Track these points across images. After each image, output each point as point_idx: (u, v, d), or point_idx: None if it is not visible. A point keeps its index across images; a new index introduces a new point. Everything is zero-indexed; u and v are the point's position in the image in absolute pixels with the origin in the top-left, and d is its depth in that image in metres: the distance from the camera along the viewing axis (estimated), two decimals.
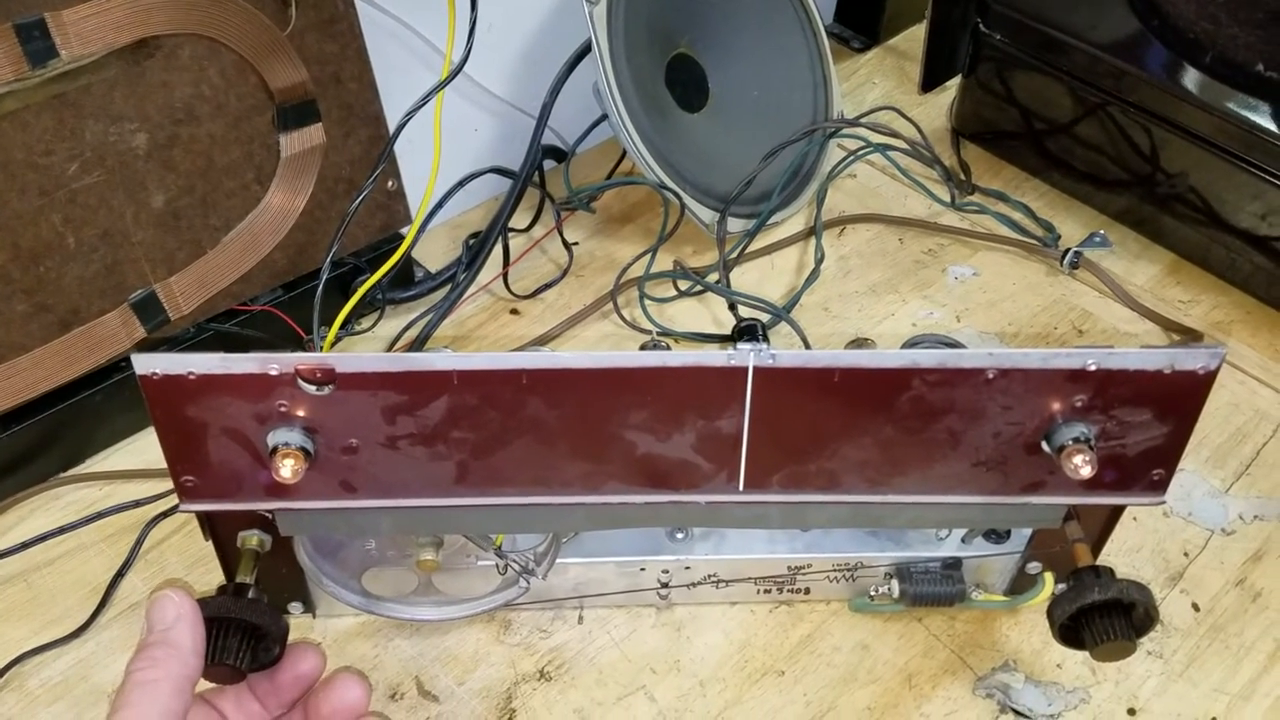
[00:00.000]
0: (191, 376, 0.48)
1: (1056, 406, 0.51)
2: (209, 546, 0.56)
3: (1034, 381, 0.50)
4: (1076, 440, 0.51)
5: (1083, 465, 0.50)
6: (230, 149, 0.68)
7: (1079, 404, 0.51)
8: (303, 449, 0.50)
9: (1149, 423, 0.51)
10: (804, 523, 0.58)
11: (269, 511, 0.54)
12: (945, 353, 0.49)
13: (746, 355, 0.49)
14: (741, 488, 0.54)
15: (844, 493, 0.55)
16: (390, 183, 0.75)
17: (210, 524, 0.56)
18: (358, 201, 0.67)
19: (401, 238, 0.78)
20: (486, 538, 0.58)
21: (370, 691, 0.52)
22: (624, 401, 0.51)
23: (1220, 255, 0.84)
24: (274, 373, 0.48)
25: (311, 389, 0.49)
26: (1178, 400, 0.51)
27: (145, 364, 0.48)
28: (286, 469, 0.49)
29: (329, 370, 0.48)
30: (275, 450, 0.50)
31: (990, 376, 0.50)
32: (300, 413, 0.50)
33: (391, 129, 0.71)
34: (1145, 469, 0.53)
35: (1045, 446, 0.52)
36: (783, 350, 0.49)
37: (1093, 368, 0.49)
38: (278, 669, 0.54)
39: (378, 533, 0.56)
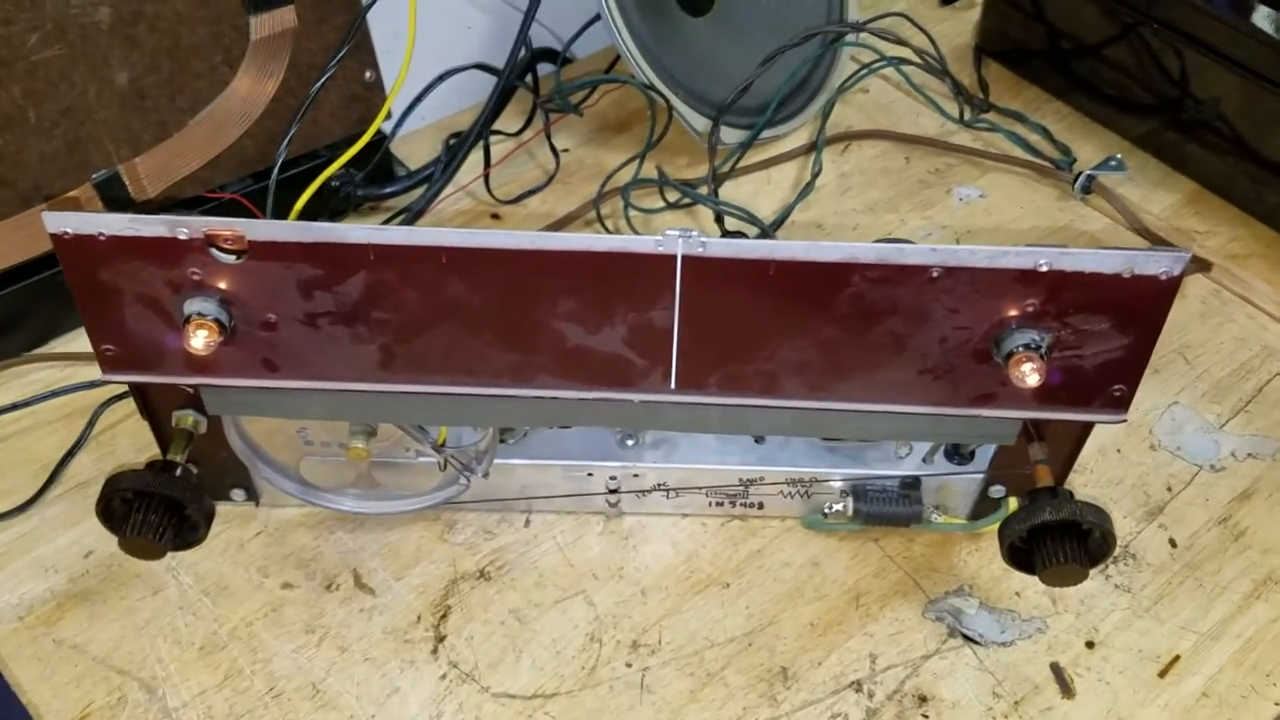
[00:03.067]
0: (102, 237, 0.47)
1: (1007, 311, 0.48)
2: None
3: (982, 282, 0.47)
4: (1026, 347, 0.48)
5: (1030, 374, 0.47)
6: (197, 28, 0.66)
7: (1030, 309, 0.47)
8: (217, 320, 0.48)
9: (1107, 332, 0.48)
10: (745, 428, 0.56)
11: (189, 387, 0.53)
12: (886, 247, 0.46)
13: (675, 241, 0.47)
14: (674, 385, 0.52)
15: (784, 397, 0.52)
16: (368, 74, 0.73)
17: (145, 401, 0.55)
18: (320, 81, 0.65)
19: (381, 132, 0.76)
20: (423, 430, 0.57)
21: None
22: (550, 286, 0.49)
23: (1244, 186, 0.79)
24: (183, 236, 0.46)
25: (223, 257, 0.47)
26: (1138, 309, 0.47)
27: (56, 222, 0.47)
28: (199, 340, 0.48)
29: (239, 237, 0.47)
30: (189, 319, 0.48)
31: (935, 275, 0.47)
32: (215, 283, 0.48)
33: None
34: (1104, 383, 0.50)
35: (995, 354, 0.49)
36: (714, 238, 0.47)
37: (1044, 268, 0.46)
38: None
39: (304, 416, 0.55)
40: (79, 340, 0.71)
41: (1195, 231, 0.79)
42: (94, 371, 0.67)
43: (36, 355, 0.70)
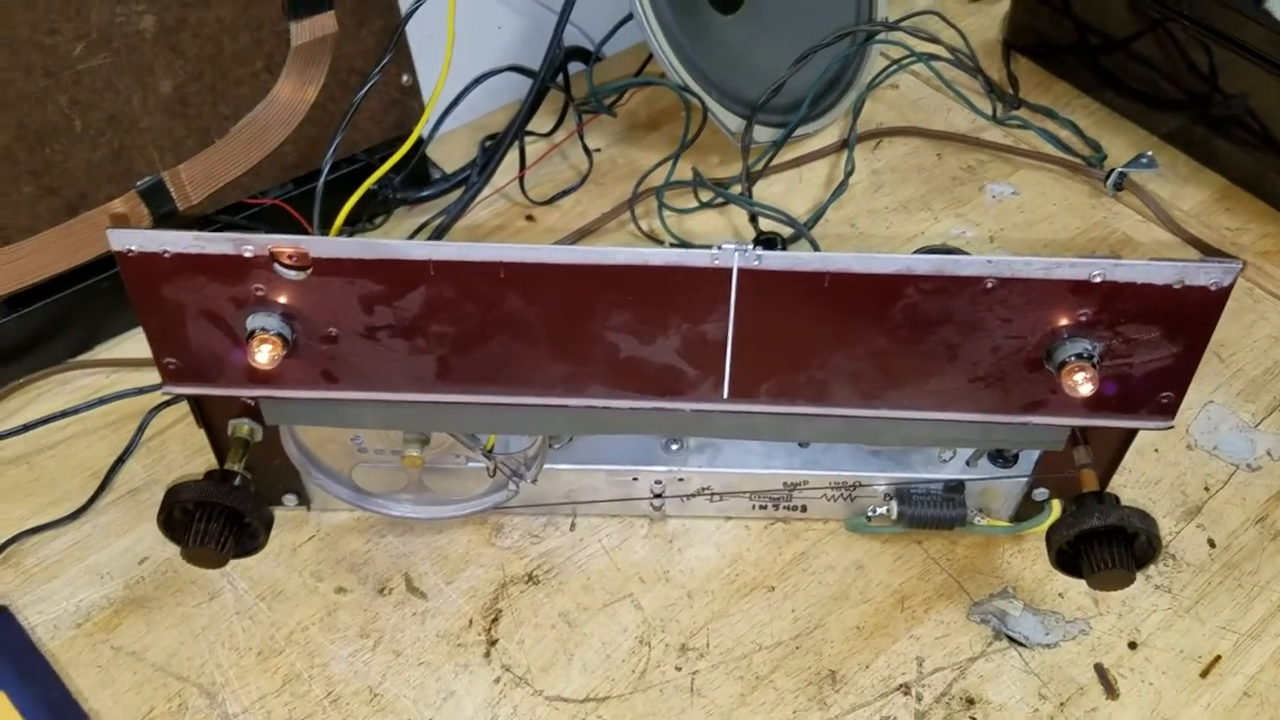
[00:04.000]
0: (167, 255, 0.47)
1: (1059, 321, 0.48)
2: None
3: (1036, 292, 0.47)
4: (1079, 357, 0.48)
5: (1083, 383, 0.48)
6: (239, 35, 0.67)
7: (1083, 318, 0.48)
8: (280, 335, 0.49)
9: (1157, 341, 0.49)
10: (794, 435, 0.56)
11: (250, 399, 0.54)
12: (942, 259, 0.47)
13: (731, 255, 0.47)
14: (726, 395, 0.52)
15: (835, 406, 0.53)
16: (405, 78, 0.74)
17: (201, 410, 0.56)
18: (364, 90, 0.66)
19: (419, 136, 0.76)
20: (474, 438, 0.58)
21: None
22: (605, 300, 0.49)
23: (1274, 181, 0.80)
24: (248, 254, 0.47)
25: (287, 273, 0.48)
26: (1188, 318, 0.48)
27: (121, 240, 0.47)
28: (264, 354, 0.49)
29: (303, 254, 0.47)
30: (252, 335, 0.49)
31: (989, 286, 0.47)
32: (278, 298, 0.49)
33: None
34: (1153, 391, 0.51)
35: (1046, 363, 0.50)
36: (770, 252, 0.47)
37: (1098, 279, 0.47)
38: None
39: (361, 425, 0.56)
40: (124, 346, 0.72)
41: (1226, 228, 0.79)
42: (142, 377, 0.68)
43: (83, 361, 0.70)
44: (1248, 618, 0.59)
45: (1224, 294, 0.47)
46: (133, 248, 0.47)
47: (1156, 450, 0.66)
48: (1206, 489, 0.64)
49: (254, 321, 0.49)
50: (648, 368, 0.52)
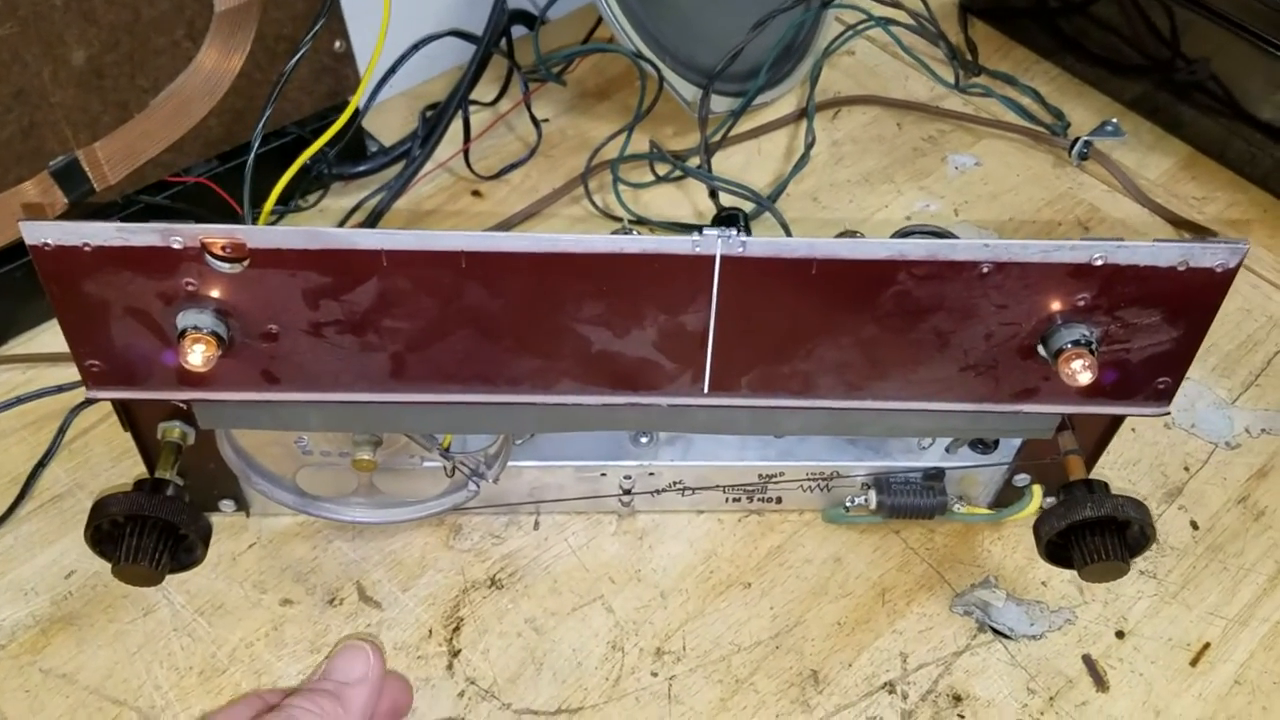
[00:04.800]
0: (87, 249, 0.42)
1: (1056, 306, 0.46)
2: None
3: (1033, 277, 0.45)
4: (1076, 343, 0.46)
5: (1081, 371, 0.45)
6: (158, 1, 0.61)
7: (1081, 303, 0.45)
8: (214, 333, 0.45)
9: (1157, 325, 0.46)
10: (776, 429, 0.53)
11: (182, 402, 0.49)
12: (936, 243, 0.44)
13: (714, 242, 0.44)
14: (707, 389, 0.49)
15: (820, 397, 0.50)
16: (337, 43, 0.69)
17: (127, 414, 0.51)
18: (296, 58, 0.61)
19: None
20: (431, 437, 0.54)
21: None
22: (577, 291, 0.45)
23: (1239, 149, 0.78)
24: (177, 246, 0.42)
25: (222, 266, 0.43)
26: (1191, 301, 0.45)
27: (35, 233, 0.42)
28: (196, 355, 0.44)
29: (240, 245, 0.43)
30: (184, 334, 0.44)
31: (985, 270, 0.44)
32: (211, 293, 0.44)
33: None
34: (1150, 377, 0.48)
35: (1041, 350, 0.47)
36: (754, 238, 0.44)
37: (1099, 262, 0.44)
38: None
39: (305, 428, 0.51)
40: (40, 339, 0.66)
41: (1193, 198, 0.77)
42: (60, 374, 0.63)
43: None
44: (1234, 602, 0.57)
45: (1229, 276, 0.44)
46: (49, 241, 0.42)
47: (1134, 430, 0.64)
48: (1186, 469, 0.63)
49: (185, 319, 0.45)
50: (622, 361, 0.48)
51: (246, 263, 0.43)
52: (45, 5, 0.58)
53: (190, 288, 0.44)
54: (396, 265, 0.44)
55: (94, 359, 0.47)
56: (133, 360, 0.46)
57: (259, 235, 0.43)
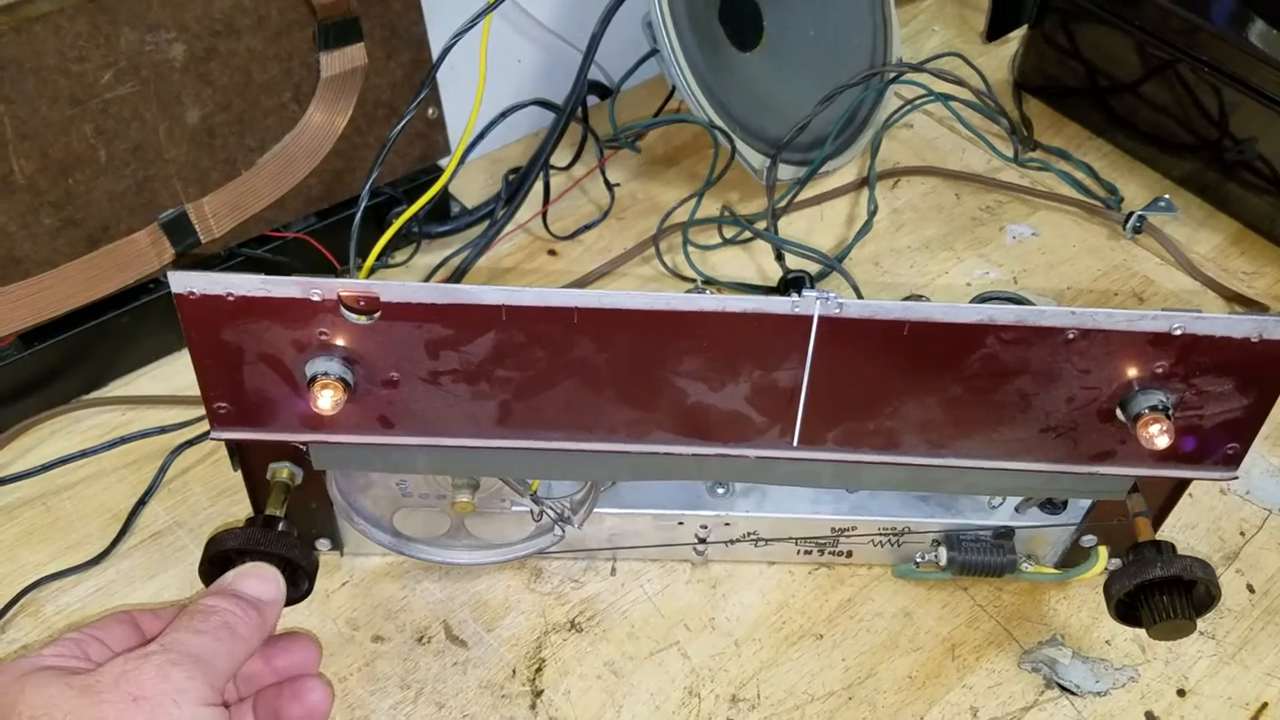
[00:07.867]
0: (230, 298, 0.45)
1: (1135, 372, 0.48)
2: (234, 477, 0.54)
3: (1116, 344, 0.47)
4: (1154, 408, 0.48)
5: (1159, 435, 0.48)
6: (269, 65, 0.65)
7: (1159, 370, 0.48)
8: (342, 379, 0.47)
9: (1229, 393, 0.49)
10: (856, 483, 0.56)
11: (303, 444, 0.52)
12: (1025, 309, 0.47)
13: (812, 303, 0.47)
14: (795, 443, 0.51)
15: (902, 454, 0.52)
16: (430, 110, 0.72)
17: (240, 454, 0.54)
18: (398, 127, 0.64)
19: (439, 169, 0.75)
20: (523, 482, 0.56)
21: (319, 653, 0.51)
22: (678, 347, 0.48)
23: None
24: (316, 298, 0.45)
25: (354, 318, 0.46)
26: (1262, 371, 0.48)
27: (182, 282, 0.45)
28: (325, 400, 0.47)
29: (373, 298, 0.46)
30: (314, 380, 0.47)
31: (1070, 337, 0.47)
32: (340, 342, 0.47)
33: (435, 53, 0.68)
34: (1220, 442, 0.51)
35: (1120, 414, 0.49)
36: (850, 299, 0.47)
37: (1178, 332, 0.47)
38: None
39: (413, 471, 0.54)
40: (138, 383, 0.69)
41: (1243, 273, 0.80)
42: (159, 415, 0.66)
43: (96, 399, 0.68)
44: None
45: None
46: (194, 290, 0.45)
47: (1190, 494, 0.66)
48: (1242, 534, 0.65)
49: (315, 366, 0.48)
50: (714, 414, 0.51)
51: (378, 315, 0.46)
52: (165, 66, 0.61)
53: (323, 337, 0.47)
54: (514, 319, 0.47)
55: (223, 401, 0.49)
56: (260, 403, 0.49)
57: (392, 290, 0.46)
